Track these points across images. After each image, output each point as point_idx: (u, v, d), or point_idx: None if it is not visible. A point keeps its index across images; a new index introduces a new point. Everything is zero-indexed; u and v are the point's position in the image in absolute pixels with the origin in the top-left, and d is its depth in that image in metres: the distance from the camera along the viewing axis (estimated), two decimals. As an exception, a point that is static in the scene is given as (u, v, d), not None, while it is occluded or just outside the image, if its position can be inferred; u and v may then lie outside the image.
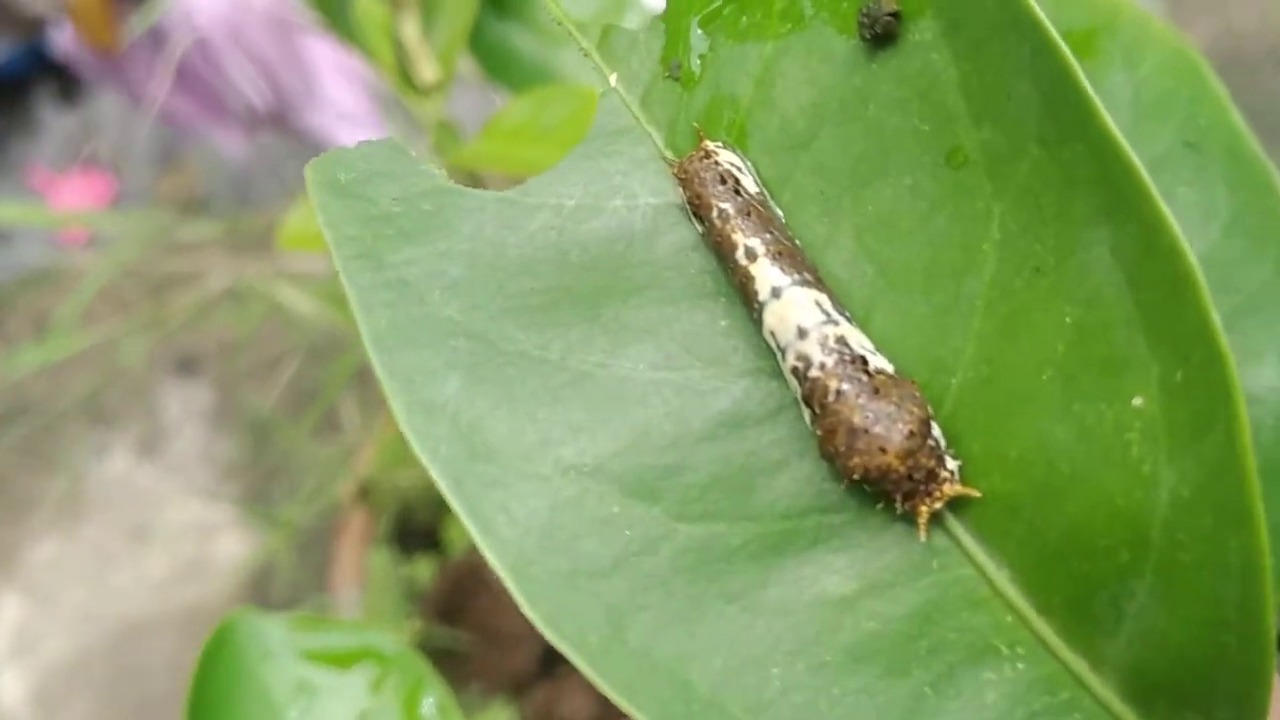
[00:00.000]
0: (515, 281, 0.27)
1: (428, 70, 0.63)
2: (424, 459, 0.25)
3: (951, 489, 0.23)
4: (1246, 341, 0.35)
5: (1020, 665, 0.24)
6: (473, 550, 0.80)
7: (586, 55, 0.29)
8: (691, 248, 0.27)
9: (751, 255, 0.25)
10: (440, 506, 0.85)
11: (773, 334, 0.24)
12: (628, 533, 0.25)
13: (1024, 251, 0.23)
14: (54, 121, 1.64)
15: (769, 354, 0.26)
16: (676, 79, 0.28)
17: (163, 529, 1.27)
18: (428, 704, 0.46)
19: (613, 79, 0.28)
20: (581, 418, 0.25)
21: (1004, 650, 0.24)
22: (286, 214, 0.67)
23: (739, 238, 0.25)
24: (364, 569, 0.83)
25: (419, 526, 0.88)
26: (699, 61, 0.27)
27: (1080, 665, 0.23)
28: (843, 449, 0.23)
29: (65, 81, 1.61)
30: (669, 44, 0.28)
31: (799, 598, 0.24)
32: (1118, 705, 0.23)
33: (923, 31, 0.24)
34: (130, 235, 1.20)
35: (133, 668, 1.21)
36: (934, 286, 0.24)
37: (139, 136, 1.55)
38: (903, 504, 0.23)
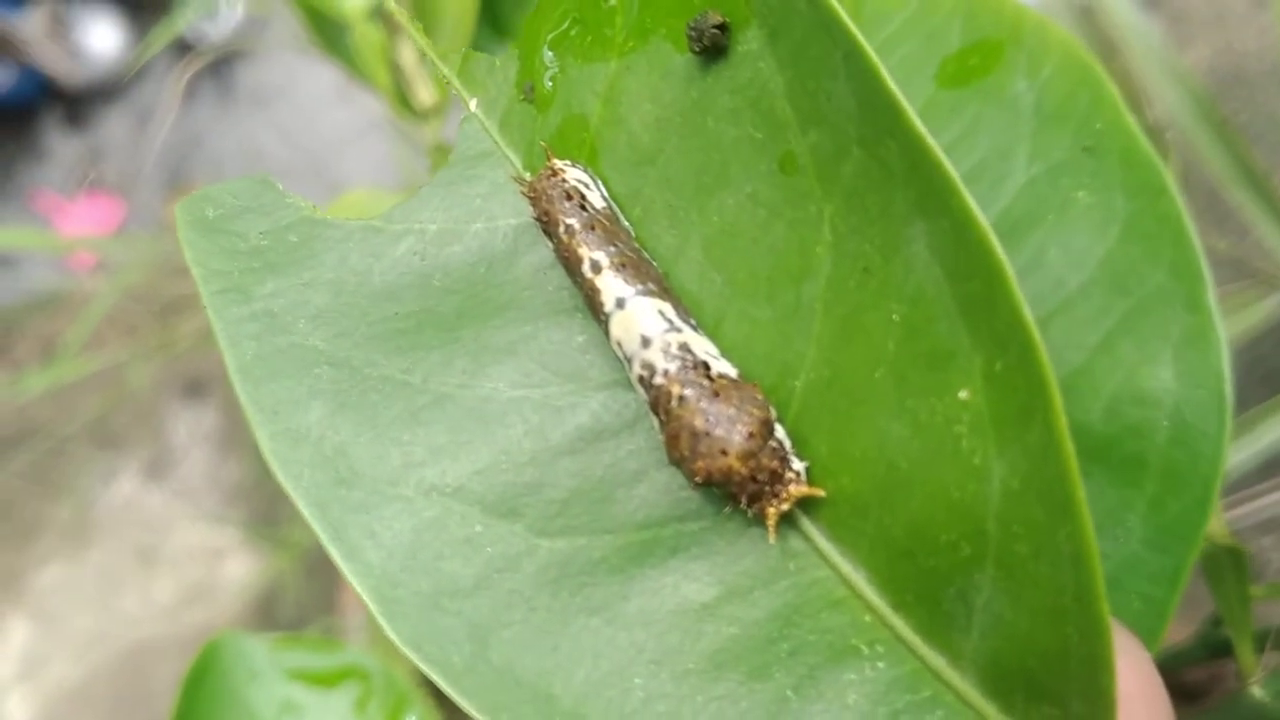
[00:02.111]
0: (379, 308, 0.27)
1: (425, 93, 0.64)
2: (287, 486, 0.25)
3: (798, 490, 0.23)
4: (1143, 344, 0.35)
5: (881, 664, 0.24)
6: None
7: (448, 83, 0.29)
8: (549, 266, 0.27)
9: (596, 268, 0.25)
10: None
11: (619, 344, 0.25)
12: (490, 551, 0.25)
13: (854, 252, 0.23)
14: (60, 146, 1.65)
15: (619, 366, 0.26)
16: (531, 101, 0.28)
17: (170, 552, 1.27)
18: (409, 721, 0.47)
19: (473, 104, 0.29)
20: (444, 439, 0.26)
21: (864, 650, 0.24)
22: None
23: (584, 251, 0.25)
24: None
25: None
26: (551, 83, 0.28)
27: (939, 661, 0.23)
28: (687, 453, 0.23)
29: (71, 106, 1.63)
30: (523, 67, 0.28)
31: (660, 607, 0.24)
32: (978, 700, 0.23)
33: (749, 41, 0.24)
34: (137, 260, 1.21)
35: (139, 691, 1.21)
36: (776, 292, 0.24)
37: (145, 160, 1.56)
38: (750, 506, 0.24)
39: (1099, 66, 0.38)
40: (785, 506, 0.23)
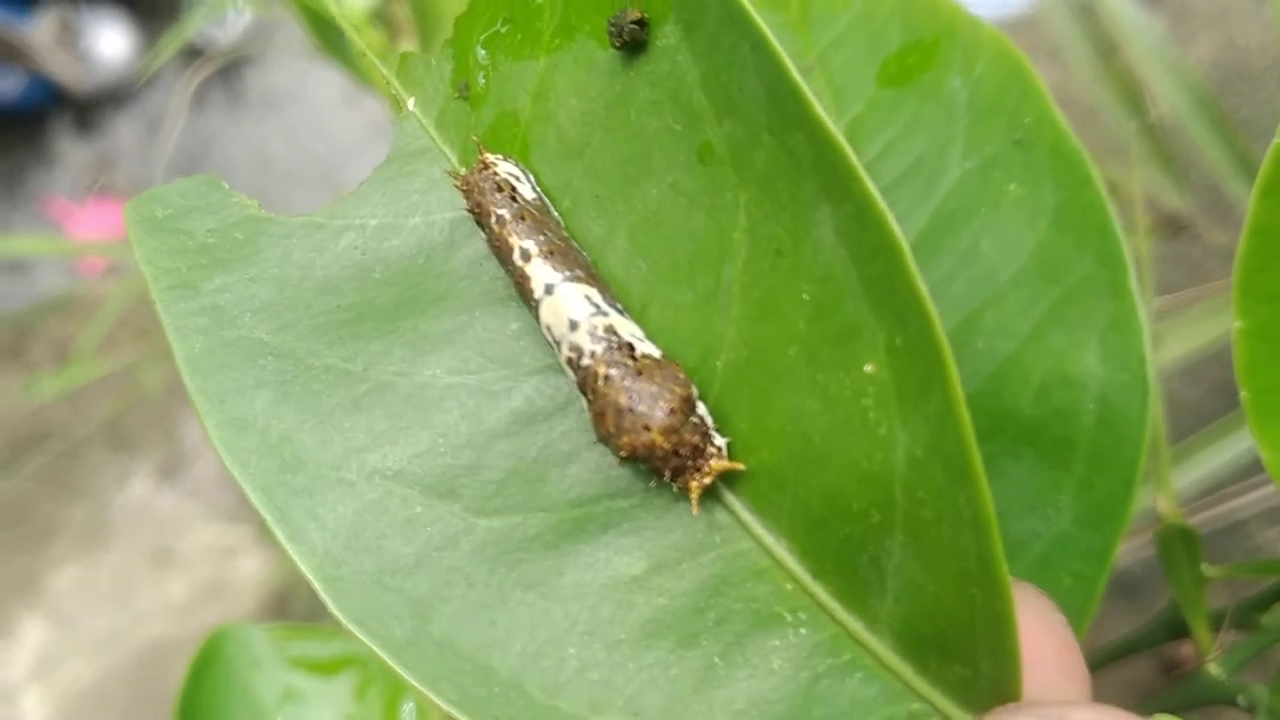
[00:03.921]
0: (322, 300, 0.28)
1: None
2: (235, 472, 0.26)
3: (719, 464, 0.24)
4: (1071, 331, 0.36)
5: (803, 630, 0.25)
6: None
7: (388, 82, 0.30)
8: (485, 257, 0.28)
9: (526, 256, 0.26)
10: None
11: (549, 328, 0.26)
12: (429, 530, 0.26)
13: (768, 236, 0.24)
14: (70, 152, 1.66)
15: (551, 351, 0.27)
16: (466, 99, 0.29)
17: (183, 552, 1.28)
18: (406, 708, 0.48)
19: (410, 103, 0.30)
20: (384, 425, 0.27)
21: (787, 617, 0.25)
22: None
23: (515, 240, 0.26)
24: None
25: None
26: (484, 80, 0.29)
27: (857, 626, 0.24)
28: (612, 429, 0.24)
29: (81, 112, 1.64)
30: (458, 66, 0.29)
31: (593, 580, 0.25)
32: (895, 662, 0.24)
33: (667, 36, 0.25)
34: None
35: (154, 690, 1.22)
36: (697, 277, 0.26)
37: (155, 166, 1.57)
38: (674, 480, 0.25)
39: (1027, 61, 0.39)
40: (707, 480, 0.25)
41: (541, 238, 0.26)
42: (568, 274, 0.26)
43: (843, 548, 0.24)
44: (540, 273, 0.26)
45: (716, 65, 0.25)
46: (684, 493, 0.25)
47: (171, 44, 1.16)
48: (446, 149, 0.29)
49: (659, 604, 0.25)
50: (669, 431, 0.24)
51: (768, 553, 0.25)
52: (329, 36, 0.64)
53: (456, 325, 0.27)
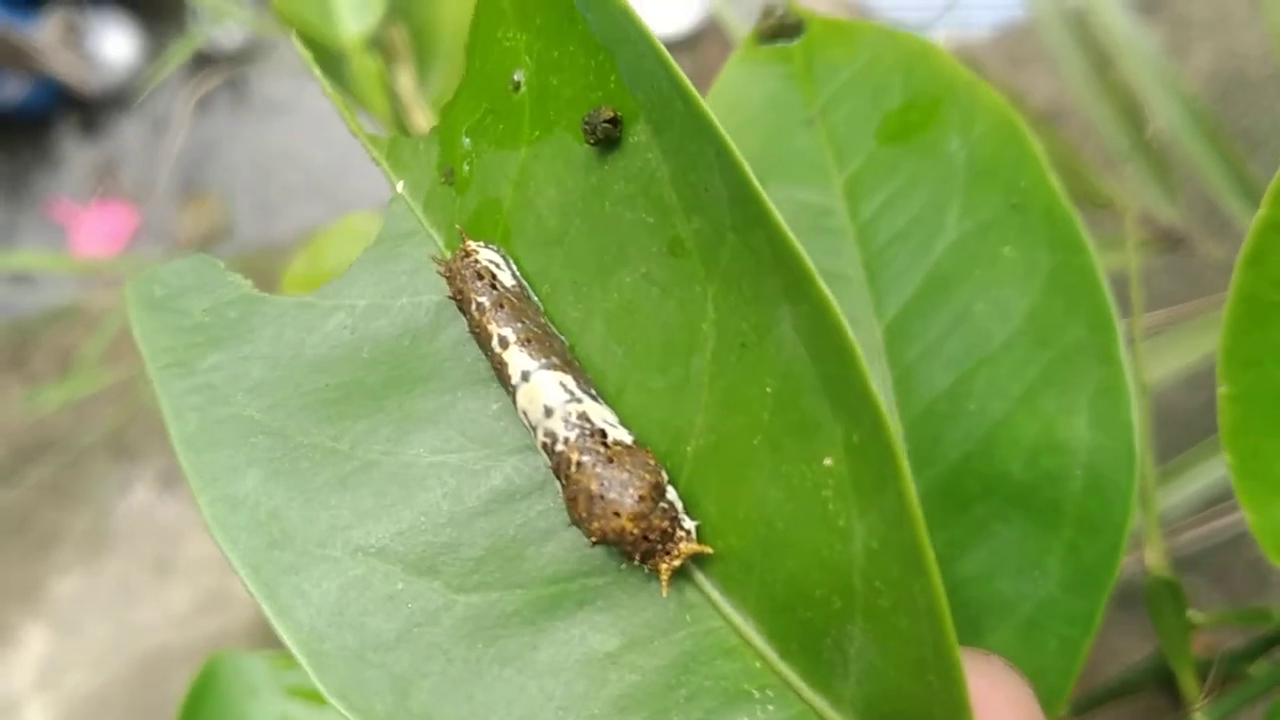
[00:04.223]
0: (311, 379, 0.29)
1: (422, 118, 0.65)
2: (224, 549, 0.27)
3: (687, 547, 0.25)
4: (1062, 395, 0.37)
5: (771, 708, 0.26)
6: None
7: (377, 164, 0.32)
8: (468, 339, 0.29)
9: (504, 343, 0.27)
10: None
11: (525, 413, 0.27)
12: (410, 606, 0.27)
13: (734, 329, 0.25)
14: (76, 155, 1.67)
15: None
16: (451, 184, 0.30)
17: (184, 561, 1.29)
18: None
19: (399, 186, 0.31)
20: (369, 503, 0.28)
21: (755, 694, 0.26)
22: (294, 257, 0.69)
23: (494, 328, 0.27)
24: None
25: None
26: (469, 167, 0.30)
27: (822, 704, 0.25)
28: (584, 515, 0.25)
29: (86, 115, 1.65)
30: (444, 152, 0.30)
31: (568, 656, 0.26)
32: (859, 740, 0.25)
33: (639, 134, 0.26)
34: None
35: (156, 698, 1.23)
36: (670, 364, 0.27)
37: (160, 169, 1.58)
38: (643, 563, 0.26)
39: (1024, 125, 0.40)
40: (676, 563, 0.26)
41: (519, 325, 0.27)
42: (544, 361, 0.27)
43: (807, 630, 0.25)
44: (517, 359, 0.27)
45: (684, 165, 0.26)
46: (655, 573, 0.26)
47: (177, 55, 1.17)
48: (433, 232, 0.30)
49: (632, 680, 0.26)
50: (638, 518, 0.25)
51: (736, 631, 0.26)
52: (324, 60, 0.65)
53: (440, 405, 0.29)
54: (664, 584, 0.26)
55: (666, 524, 0.25)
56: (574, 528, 0.27)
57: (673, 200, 0.26)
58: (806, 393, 0.24)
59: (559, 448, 0.26)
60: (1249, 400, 0.31)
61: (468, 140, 0.30)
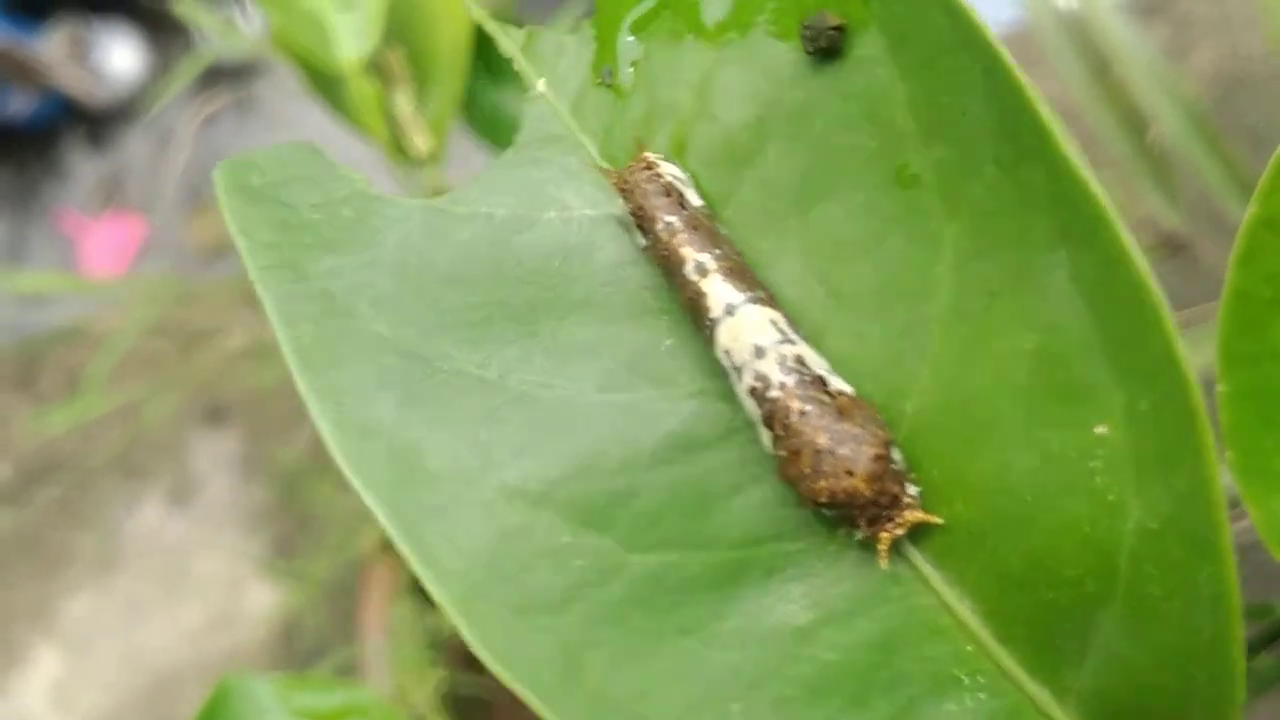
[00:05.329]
0: (448, 294, 0.25)
1: (421, 141, 0.64)
2: (358, 484, 0.23)
3: (914, 515, 0.23)
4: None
5: (982, 695, 0.23)
6: None
7: (510, 59, 0.28)
8: (630, 262, 0.26)
9: (702, 270, 0.24)
10: None
11: (727, 353, 0.23)
12: (579, 564, 0.23)
13: (980, 275, 0.23)
14: (83, 167, 1.64)
15: (716, 374, 0.25)
16: (609, 86, 0.26)
17: (194, 578, 1.28)
18: (405, 756, 0.50)
19: (540, 85, 0.27)
20: (524, 440, 0.24)
21: (965, 680, 0.23)
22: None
23: (688, 252, 0.24)
24: (390, 619, 0.83)
25: None
26: (632, 69, 0.26)
27: (1043, 695, 0.23)
28: (808, 471, 0.22)
29: (93, 127, 1.63)
30: (601, 50, 0.27)
31: (756, 628, 0.24)
32: (1080, 732, 0.23)
33: (867, 46, 0.23)
34: (156, 295, 1.18)
35: (169, 717, 1.22)
36: (887, 309, 0.24)
37: (166, 180, 1.56)
38: (866, 529, 0.23)
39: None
40: (900, 531, 0.23)
41: (718, 250, 0.24)
42: (750, 294, 0.23)
43: (1042, 613, 0.23)
44: (719, 290, 0.23)
45: (931, 86, 0.23)
46: (863, 540, 0.23)
47: (184, 73, 1.14)
48: (585, 138, 0.27)
49: (827, 659, 0.23)
50: (873, 479, 0.22)
51: (948, 610, 0.24)
52: (322, 84, 0.63)
53: (602, 337, 0.25)
54: (882, 555, 0.23)
55: (897, 488, 0.23)
56: (763, 485, 0.24)
57: (907, 125, 0.23)
58: (1080, 351, 0.21)
59: (773, 394, 0.23)
60: (1246, 397, 0.31)
61: (631, 38, 0.26)
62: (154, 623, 1.26)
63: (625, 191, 0.24)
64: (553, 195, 0.26)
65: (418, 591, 0.87)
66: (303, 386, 0.24)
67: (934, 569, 0.24)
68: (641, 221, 0.24)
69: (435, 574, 0.23)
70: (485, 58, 0.62)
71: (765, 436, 0.23)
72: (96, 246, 1.54)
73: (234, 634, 1.23)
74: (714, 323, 0.23)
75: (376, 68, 0.60)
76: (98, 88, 1.59)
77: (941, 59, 0.23)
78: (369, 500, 0.23)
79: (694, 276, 0.24)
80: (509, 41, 0.27)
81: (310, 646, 1.13)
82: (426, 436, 0.24)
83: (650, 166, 0.24)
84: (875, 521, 0.23)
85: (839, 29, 0.23)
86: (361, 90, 0.55)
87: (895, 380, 0.24)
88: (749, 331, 0.23)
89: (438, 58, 0.59)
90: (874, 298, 0.24)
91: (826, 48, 0.23)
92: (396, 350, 0.24)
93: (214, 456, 1.34)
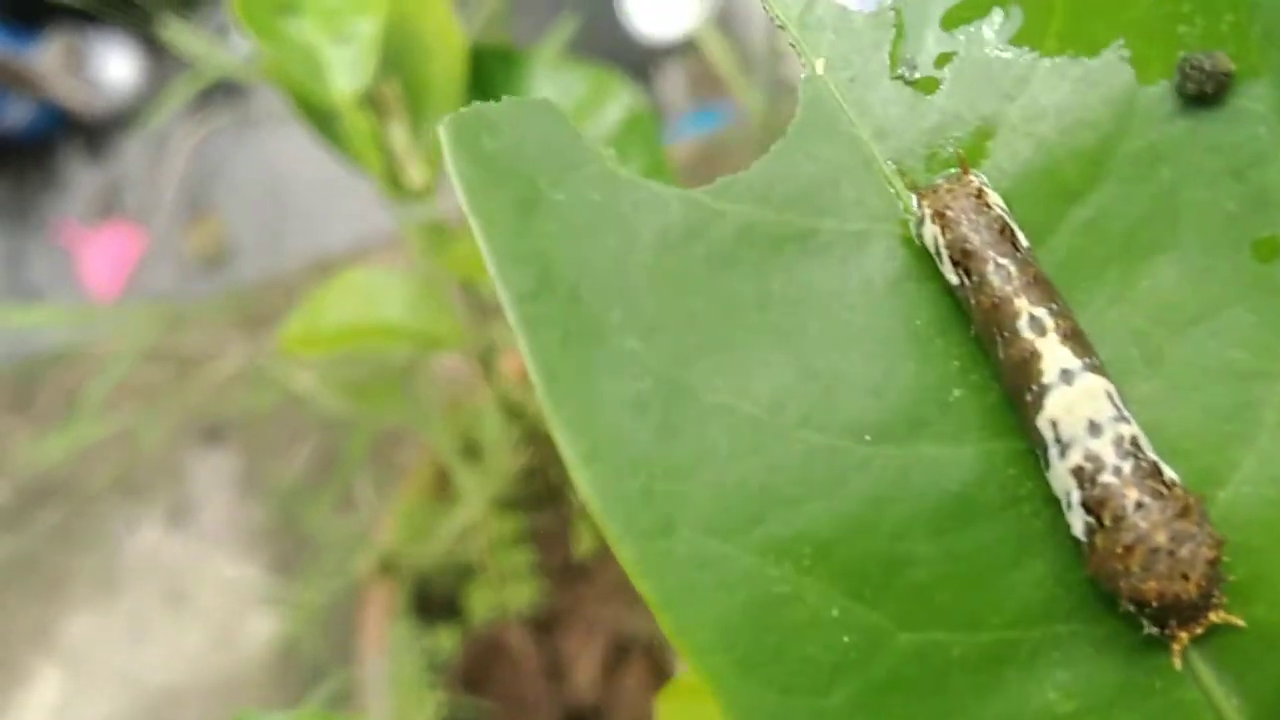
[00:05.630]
0: (709, 307, 0.22)
1: (417, 174, 0.62)
2: (609, 529, 0.20)
3: (1219, 616, 0.21)
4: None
5: (1233, 796, 0.22)
6: (493, 619, 0.77)
7: (782, 28, 0.24)
8: (914, 291, 0.23)
9: (1040, 328, 0.21)
10: (460, 576, 0.82)
11: (1054, 423, 0.21)
12: (846, 640, 0.21)
13: (1340, 369, 0.21)
14: (80, 178, 1.61)
15: (1007, 434, 0.22)
16: (909, 82, 0.23)
17: (194, 599, 1.28)
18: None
19: (819, 65, 0.23)
20: (793, 490, 0.21)
21: (1219, 780, 0.22)
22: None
23: (1023, 304, 0.21)
24: (388, 641, 0.79)
25: (439, 596, 0.85)
26: (935, 66, 0.23)
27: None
28: (1136, 570, 0.20)
29: (90, 137, 1.61)
30: (902, 39, 0.23)
31: (1017, 716, 0.21)
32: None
33: (1253, 99, 0.21)
34: (150, 319, 1.13)
35: None
36: (1213, 386, 0.21)
37: (165, 189, 1.54)
38: (1175, 630, 0.21)
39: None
40: (1199, 631, 0.21)
41: (1055, 306, 0.21)
42: (1087, 361, 0.21)
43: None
44: (1057, 353, 0.21)
45: (1331, 157, 0.20)
46: (1164, 637, 0.21)
47: (179, 93, 1.11)
48: (869, 137, 0.23)
49: (1092, 751, 0.22)
50: (1207, 585, 0.20)
51: (1214, 709, 0.22)
52: (316, 117, 0.62)
53: (885, 378, 0.22)
54: (1176, 655, 0.21)
55: (1216, 589, 0.21)
56: (1043, 560, 0.22)
57: (1283, 197, 0.21)
58: None
59: (1105, 478, 0.20)
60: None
61: (940, 31, 0.23)
62: (154, 643, 1.27)
63: (945, 219, 0.21)
64: (830, 200, 0.23)
65: (416, 612, 0.85)
66: (548, 409, 0.20)
67: (1210, 666, 0.22)
68: (964, 259, 0.21)
69: (692, 642, 0.20)
70: (481, 87, 0.60)
71: (1080, 521, 0.21)
72: (95, 257, 1.54)
73: (233, 654, 1.24)
74: (1045, 388, 0.21)
75: (371, 100, 0.57)
76: (94, 98, 1.59)
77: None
78: (612, 541, 0.20)
79: (1029, 334, 0.21)
80: (783, 8, 0.23)
81: (310, 666, 1.13)
82: (685, 477, 0.21)
83: (979, 194, 0.21)
84: (1185, 623, 0.21)
85: (1229, 75, 0.20)
86: (357, 124, 0.53)
87: (1211, 464, 0.22)
88: (1085, 404, 0.20)
89: (433, 88, 0.58)
90: (1197, 372, 0.22)
91: (1210, 93, 0.20)
92: (654, 373, 0.21)
93: (212, 477, 1.34)
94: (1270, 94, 0.21)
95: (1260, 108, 0.21)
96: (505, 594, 0.77)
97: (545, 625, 0.79)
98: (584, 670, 0.74)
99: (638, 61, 1.41)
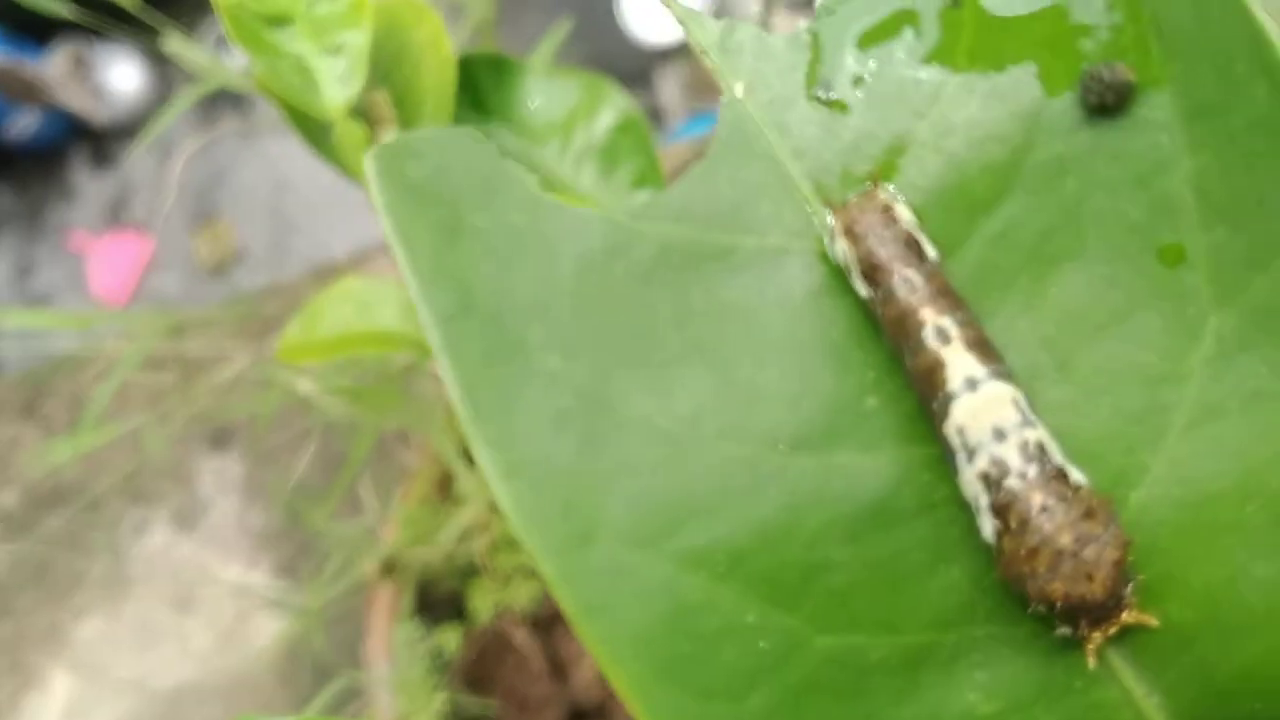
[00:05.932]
0: (629, 324, 0.22)
1: None
2: (528, 541, 0.21)
3: (1131, 616, 0.21)
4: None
5: (1156, 793, 0.22)
6: (497, 618, 0.79)
7: (703, 54, 0.24)
8: (829, 304, 0.23)
9: (944, 337, 0.21)
10: (464, 574, 0.83)
11: (960, 430, 0.21)
12: (763, 645, 0.21)
13: (1244, 371, 0.21)
14: (88, 185, 1.63)
15: (921, 441, 0.23)
16: (824, 102, 0.24)
17: (203, 601, 1.29)
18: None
19: (738, 89, 0.24)
20: (711, 501, 0.22)
21: (1142, 779, 0.22)
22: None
23: (928, 314, 0.21)
24: (393, 641, 0.81)
25: (443, 595, 0.86)
26: (851, 86, 0.23)
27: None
28: (1041, 571, 0.21)
29: (97, 145, 1.62)
30: (818, 61, 0.24)
31: (937, 718, 0.22)
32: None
33: (1154, 108, 0.21)
34: (156, 325, 1.13)
35: None
36: (1121, 390, 0.22)
37: (171, 196, 1.56)
38: (1086, 630, 0.21)
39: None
40: (1113, 631, 0.22)
41: (960, 315, 0.21)
42: (992, 368, 0.21)
43: (1243, 723, 0.22)
44: (961, 362, 0.21)
45: (1227, 165, 0.21)
46: (1076, 639, 0.22)
47: (181, 103, 1.10)
48: (787, 157, 0.24)
49: (1012, 752, 0.22)
50: (1112, 585, 0.21)
51: (1133, 707, 0.22)
52: (308, 128, 0.60)
53: (802, 387, 0.23)
54: (1091, 655, 0.22)
55: (1124, 589, 0.21)
56: (960, 565, 0.22)
57: (1185, 201, 0.21)
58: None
59: (1011, 483, 0.21)
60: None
61: (856, 51, 0.23)
62: (163, 645, 1.28)
63: (854, 235, 0.22)
64: (748, 218, 0.23)
65: (421, 612, 0.86)
66: (467, 425, 0.21)
67: (1126, 664, 0.22)
68: (873, 272, 0.22)
69: (610, 651, 0.21)
70: (471, 96, 0.60)
71: (989, 525, 0.22)
72: (104, 264, 1.55)
73: (243, 654, 1.25)
74: (950, 396, 0.21)
75: (362, 110, 0.58)
76: (101, 106, 1.59)
77: (1249, 139, 0.20)
78: (533, 553, 0.21)
79: (933, 343, 0.21)
80: (703, 34, 0.24)
81: (317, 666, 1.13)
82: (599, 489, 0.21)
83: (887, 209, 0.22)
84: (1097, 623, 0.21)
85: (1130, 85, 0.21)
86: (349, 134, 0.53)
87: (1120, 467, 0.22)
88: (990, 411, 0.21)
89: (423, 97, 0.57)
90: (1107, 377, 0.22)
91: (1110, 104, 0.21)
92: (574, 389, 0.22)
93: (219, 480, 1.35)
94: (1172, 103, 0.21)
95: (1162, 116, 0.21)
96: (508, 594, 0.78)
97: (548, 624, 0.80)
98: (587, 669, 0.75)
99: (635, 66, 1.42)
